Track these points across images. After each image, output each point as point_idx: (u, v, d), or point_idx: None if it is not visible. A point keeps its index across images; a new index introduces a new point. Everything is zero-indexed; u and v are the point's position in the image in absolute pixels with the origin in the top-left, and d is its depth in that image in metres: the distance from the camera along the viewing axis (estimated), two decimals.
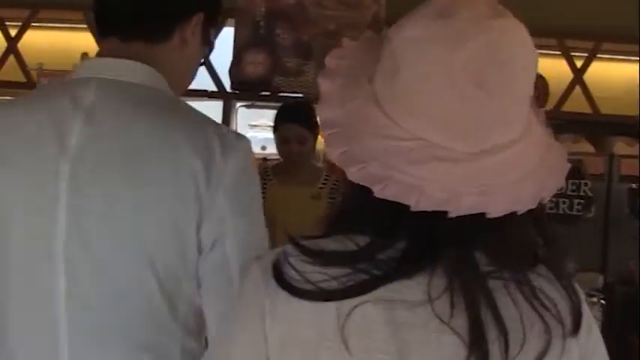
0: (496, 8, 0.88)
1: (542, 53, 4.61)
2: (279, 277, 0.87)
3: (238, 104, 4.63)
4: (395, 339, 0.84)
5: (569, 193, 4.02)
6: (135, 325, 1.24)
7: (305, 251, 0.89)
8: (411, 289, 0.85)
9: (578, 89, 4.46)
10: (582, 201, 4.05)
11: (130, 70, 1.29)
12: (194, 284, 1.25)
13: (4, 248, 1.25)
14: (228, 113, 4.41)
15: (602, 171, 4.25)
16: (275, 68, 4.26)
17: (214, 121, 1.32)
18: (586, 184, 4.09)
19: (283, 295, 0.87)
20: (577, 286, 0.93)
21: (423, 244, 0.86)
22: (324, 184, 3.49)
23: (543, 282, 0.90)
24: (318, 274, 0.86)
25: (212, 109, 4.50)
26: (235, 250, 1.23)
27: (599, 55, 4.47)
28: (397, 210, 0.84)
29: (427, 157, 0.84)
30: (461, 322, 0.84)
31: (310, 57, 4.30)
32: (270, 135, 4.55)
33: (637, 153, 4.37)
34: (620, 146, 4.44)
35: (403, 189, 0.83)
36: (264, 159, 4.38)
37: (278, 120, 3.56)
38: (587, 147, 4.49)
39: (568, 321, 0.89)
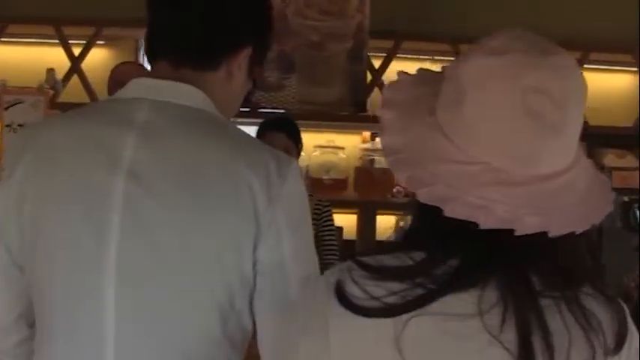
0: (549, 46, 0.97)
1: None
2: (342, 295, 0.93)
3: None
4: (447, 350, 0.90)
5: None
6: (190, 339, 1.26)
7: (366, 267, 0.94)
8: (463, 302, 0.91)
9: None
10: None
11: (182, 93, 1.30)
12: (247, 301, 1.28)
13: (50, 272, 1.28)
14: None
15: None
16: (255, 83, 4.08)
17: (263, 143, 1.38)
18: None
19: (345, 311, 0.92)
20: (621, 302, 0.99)
21: (478, 260, 0.92)
22: None
23: (590, 300, 0.95)
24: (379, 289, 0.92)
25: None
26: (293, 265, 1.27)
27: (586, 66, 4.38)
28: (459, 228, 0.90)
29: (491, 180, 0.92)
30: (510, 337, 0.89)
31: (292, 70, 4.12)
32: None
33: (628, 165, 4.27)
34: (611, 159, 4.33)
35: (471, 208, 0.89)
36: None
37: (263, 129, 3.40)
38: None
39: (611, 338, 0.94)
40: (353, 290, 0.93)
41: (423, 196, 0.92)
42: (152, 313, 1.25)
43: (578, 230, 0.92)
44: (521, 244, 0.91)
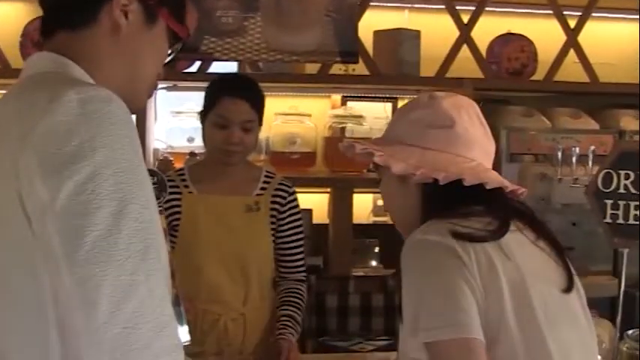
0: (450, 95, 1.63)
1: (528, 13, 4.01)
2: (458, 235, 1.41)
3: (157, 86, 3.71)
4: (523, 244, 1.47)
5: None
6: None
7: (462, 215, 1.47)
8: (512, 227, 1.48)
9: (572, 54, 3.78)
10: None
11: (29, 64, 1.22)
12: None
13: None
14: None
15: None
16: (204, 27, 3.29)
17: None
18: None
19: (471, 244, 1.40)
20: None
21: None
22: (263, 188, 2.57)
23: None
24: (479, 224, 1.44)
25: None
26: None
27: (594, 14, 3.76)
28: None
29: (483, 169, 1.55)
30: (542, 244, 1.50)
31: (256, 8, 3.33)
32: (199, 123, 3.72)
33: None
34: (628, 121, 3.71)
35: (478, 177, 1.50)
36: (192, 153, 3.48)
37: (213, 93, 2.54)
38: (590, 122, 3.73)
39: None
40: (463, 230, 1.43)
41: (443, 178, 1.47)
42: None
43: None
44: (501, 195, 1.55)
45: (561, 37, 3.74)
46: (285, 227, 2.56)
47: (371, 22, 3.61)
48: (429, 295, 1.36)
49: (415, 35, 3.61)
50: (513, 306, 1.35)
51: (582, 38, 3.75)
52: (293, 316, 2.49)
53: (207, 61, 3.51)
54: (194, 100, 3.75)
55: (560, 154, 3.28)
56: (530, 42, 3.72)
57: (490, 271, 1.37)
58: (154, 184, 3.27)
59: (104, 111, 1.05)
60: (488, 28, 3.71)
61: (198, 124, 3.65)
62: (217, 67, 3.56)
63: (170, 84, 3.72)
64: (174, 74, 3.55)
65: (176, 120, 3.70)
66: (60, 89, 1.07)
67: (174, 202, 2.51)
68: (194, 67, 3.54)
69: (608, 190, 2.33)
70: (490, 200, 1.48)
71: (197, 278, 2.47)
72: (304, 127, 3.70)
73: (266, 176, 2.59)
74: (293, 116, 3.66)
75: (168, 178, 2.50)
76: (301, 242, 2.59)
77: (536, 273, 1.43)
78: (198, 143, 3.65)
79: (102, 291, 0.98)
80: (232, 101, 2.45)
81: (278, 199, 2.55)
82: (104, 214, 1.00)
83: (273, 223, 2.55)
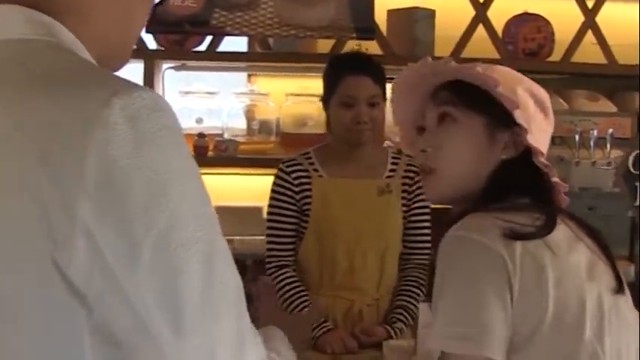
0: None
1: None
2: (507, 233, 1.27)
3: (165, 66, 3.64)
4: (570, 245, 1.33)
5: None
6: None
7: (508, 209, 1.34)
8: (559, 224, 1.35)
9: (589, 35, 3.67)
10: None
11: None
12: None
13: None
14: (151, 77, 3.41)
15: (628, 134, 3.40)
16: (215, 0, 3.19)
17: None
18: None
19: (517, 244, 1.26)
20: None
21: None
22: (392, 170, 2.53)
23: None
24: (526, 219, 1.30)
25: (129, 74, 3.52)
26: None
27: None
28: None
29: None
30: (587, 240, 1.36)
31: None
32: (209, 104, 3.63)
33: None
34: None
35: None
36: (201, 134, 3.40)
37: (335, 74, 2.49)
38: (608, 105, 3.64)
39: None
40: (514, 227, 1.29)
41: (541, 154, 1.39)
42: None
43: None
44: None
45: (579, 18, 3.64)
46: (415, 207, 2.52)
47: (385, 1, 3.53)
48: (457, 303, 1.25)
49: (430, 14, 3.52)
50: (557, 309, 1.24)
51: (600, 19, 3.65)
52: (407, 308, 2.44)
53: (217, 37, 3.43)
54: (203, 79, 3.68)
55: (577, 136, 3.21)
56: (547, 22, 3.62)
57: (536, 272, 1.24)
58: None
59: (158, 126, 0.79)
60: (504, 7, 3.61)
61: (209, 105, 3.63)
62: (227, 46, 3.48)
63: (179, 63, 3.65)
64: (183, 53, 3.49)
65: (185, 100, 3.63)
66: (87, 96, 0.78)
67: (304, 187, 2.47)
68: (203, 46, 3.47)
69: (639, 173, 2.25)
70: (538, 192, 1.36)
71: (331, 264, 2.44)
72: (316, 108, 3.59)
73: (393, 157, 2.55)
74: (304, 97, 3.57)
75: (295, 162, 2.47)
76: (428, 224, 2.54)
77: (587, 272, 1.30)
78: (207, 124, 3.59)
79: (219, 351, 0.81)
80: (356, 78, 2.42)
81: (407, 181, 2.51)
82: (196, 265, 0.79)
83: (404, 205, 2.51)
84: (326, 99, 2.51)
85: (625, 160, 2.25)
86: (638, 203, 2.26)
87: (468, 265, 1.25)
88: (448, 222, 1.33)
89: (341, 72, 2.46)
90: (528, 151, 1.35)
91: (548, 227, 1.29)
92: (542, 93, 1.42)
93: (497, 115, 1.36)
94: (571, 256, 1.30)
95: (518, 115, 1.33)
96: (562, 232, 1.32)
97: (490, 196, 1.34)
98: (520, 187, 1.36)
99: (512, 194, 1.35)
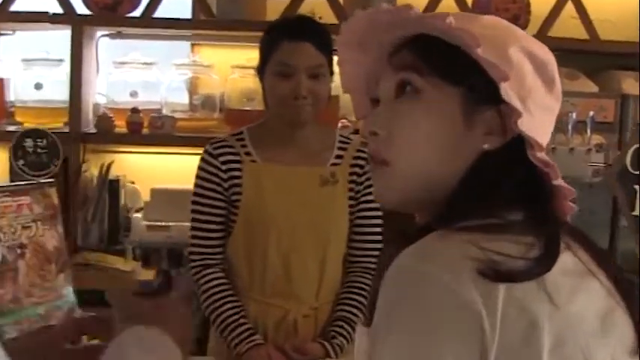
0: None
1: None
2: (485, 272, 0.88)
3: (99, 34, 3.27)
4: (576, 284, 0.95)
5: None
6: None
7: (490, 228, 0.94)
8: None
9: (569, 8, 3.37)
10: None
11: None
12: None
13: None
14: (79, 46, 3.03)
15: (611, 118, 3.09)
16: None
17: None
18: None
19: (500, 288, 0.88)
20: None
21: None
22: (339, 157, 2.16)
23: None
24: (515, 248, 0.91)
25: (57, 41, 3.16)
26: None
27: None
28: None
29: None
30: (597, 271, 0.99)
31: None
32: (145, 76, 3.27)
33: None
34: (631, 84, 3.30)
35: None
36: (134, 109, 3.05)
37: (271, 39, 2.12)
38: (589, 85, 3.31)
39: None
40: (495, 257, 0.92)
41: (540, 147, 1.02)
42: None
43: None
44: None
45: None
46: (364, 201, 2.15)
47: None
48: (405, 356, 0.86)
49: None
50: None
51: None
52: (349, 320, 2.10)
53: (154, 1, 3.08)
54: (139, 48, 3.32)
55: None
56: None
57: (525, 331, 0.87)
58: (42, 147, 2.92)
59: None
60: None
61: (145, 77, 3.27)
62: (165, 11, 3.12)
63: (113, 30, 3.29)
64: (116, 19, 3.11)
65: (119, 72, 3.27)
66: None
67: (233, 173, 2.09)
68: (138, 12, 3.10)
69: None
70: (534, 201, 0.97)
71: (262, 265, 2.08)
72: None
73: (341, 141, 2.17)
74: (251, 70, 3.22)
75: (224, 143, 2.10)
76: (379, 221, 2.15)
77: (599, 324, 0.93)
78: (141, 98, 3.25)
79: None
80: (294, 44, 2.05)
81: (357, 170, 2.14)
82: None
83: (351, 198, 2.14)
84: (261, 69, 2.15)
85: (622, 157, 1.86)
86: (637, 212, 1.88)
87: (422, 313, 0.87)
88: (405, 230, 1.00)
89: (278, 37, 2.09)
90: (521, 141, 0.97)
91: (546, 261, 0.91)
92: (546, 55, 1.03)
93: (478, 86, 0.97)
94: (577, 303, 0.93)
95: (507, 90, 0.95)
96: (566, 264, 0.94)
97: (464, 206, 0.97)
98: (507, 193, 0.97)
99: (495, 203, 0.97)
